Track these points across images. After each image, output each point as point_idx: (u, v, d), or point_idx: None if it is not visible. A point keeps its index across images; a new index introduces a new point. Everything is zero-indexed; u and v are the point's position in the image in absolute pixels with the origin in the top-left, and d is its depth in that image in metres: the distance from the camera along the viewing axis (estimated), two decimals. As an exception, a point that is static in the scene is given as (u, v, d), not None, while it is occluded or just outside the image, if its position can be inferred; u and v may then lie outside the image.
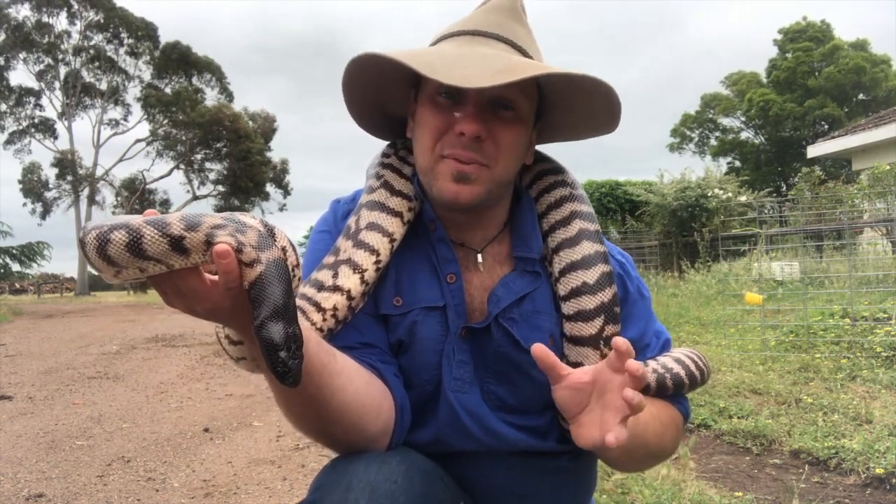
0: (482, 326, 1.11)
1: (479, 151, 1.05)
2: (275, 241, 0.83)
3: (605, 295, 1.09)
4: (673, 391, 1.17)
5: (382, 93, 1.15)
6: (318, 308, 1.02)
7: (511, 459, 1.14)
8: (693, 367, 1.19)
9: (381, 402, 1.02)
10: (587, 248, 1.12)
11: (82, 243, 0.77)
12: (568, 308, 1.11)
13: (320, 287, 1.04)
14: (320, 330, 1.03)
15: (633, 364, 0.88)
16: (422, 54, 1.04)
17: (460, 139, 1.05)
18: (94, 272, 0.82)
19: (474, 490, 1.14)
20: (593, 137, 1.20)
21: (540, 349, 0.96)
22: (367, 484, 0.90)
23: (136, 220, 0.76)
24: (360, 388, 0.99)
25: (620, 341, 0.90)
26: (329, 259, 1.08)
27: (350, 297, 1.04)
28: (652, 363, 1.18)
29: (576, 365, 1.08)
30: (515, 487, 1.15)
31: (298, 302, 1.03)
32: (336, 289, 1.04)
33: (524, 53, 1.10)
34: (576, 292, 1.10)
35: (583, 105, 1.11)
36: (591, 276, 1.09)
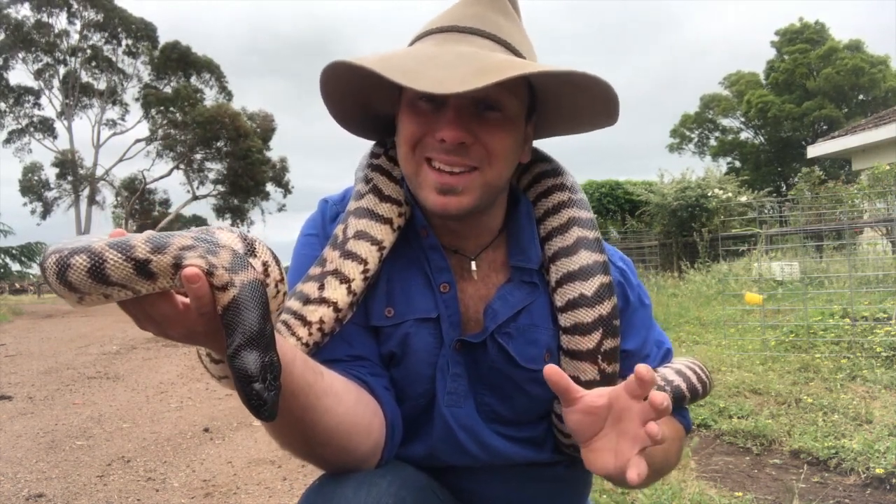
0: (478, 341, 1.07)
1: (466, 156, 0.99)
2: (255, 256, 0.78)
3: (604, 308, 1.04)
4: (673, 405, 1.12)
5: (365, 95, 1.09)
6: (304, 322, 0.98)
7: (507, 471, 1.12)
8: (694, 379, 1.16)
9: (370, 420, 0.98)
10: (585, 257, 1.06)
11: (42, 268, 0.73)
12: (565, 320, 1.07)
13: (306, 300, 1.00)
14: (306, 345, 0.99)
15: (657, 396, 0.82)
16: (394, 58, 0.97)
17: (442, 145, 0.99)
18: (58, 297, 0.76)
19: (470, 501, 1.12)
20: (593, 130, 1.12)
21: (552, 371, 0.89)
22: None
23: (98, 242, 0.71)
24: (349, 407, 0.95)
25: (644, 369, 0.83)
26: (315, 270, 1.03)
27: (337, 309, 1.00)
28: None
29: (572, 379, 1.06)
30: (512, 498, 1.13)
31: (283, 316, 0.99)
32: (322, 301, 0.99)
33: (508, 47, 1.03)
34: (573, 304, 1.05)
35: (575, 99, 1.05)
36: (588, 287, 1.04)
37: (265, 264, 0.79)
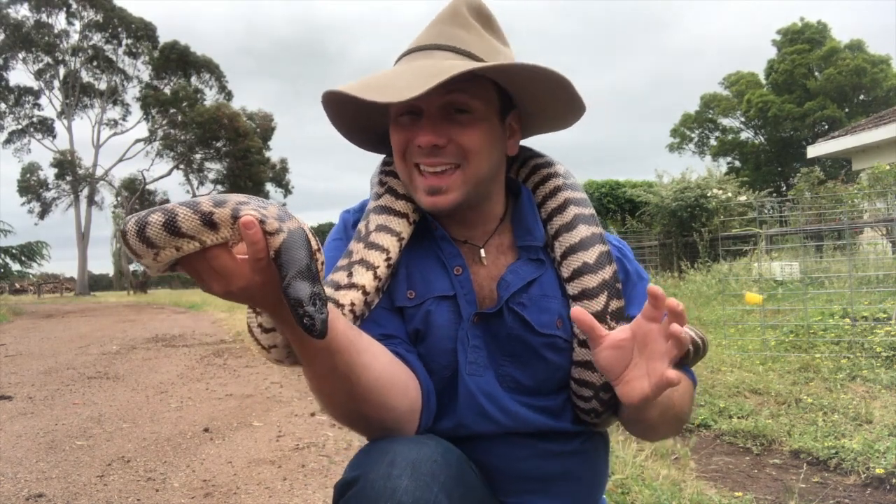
0: (494, 311, 1.17)
1: (443, 156, 1.13)
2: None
3: (606, 272, 1.16)
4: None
5: (365, 116, 1.23)
6: (337, 304, 1.07)
7: (525, 443, 1.18)
8: (693, 335, 1.25)
9: (406, 380, 1.08)
10: (584, 231, 1.20)
11: (123, 233, 0.85)
12: (572, 288, 1.18)
13: (337, 287, 1.10)
14: None
15: (672, 301, 0.93)
16: (369, 80, 1.12)
17: (420, 150, 1.14)
18: (135, 262, 0.92)
19: (490, 475, 1.17)
20: (573, 122, 1.25)
21: (578, 311, 1.01)
22: (409, 461, 0.94)
23: (168, 204, 0.84)
24: (385, 365, 1.04)
25: (654, 288, 0.94)
26: (343, 261, 1.14)
27: (365, 293, 1.10)
28: None
29: (585, 343, 1.13)
30: (530, 472, 1.18)
31: None
32: (352, 286, 1.10)
33: (467, 55, 1.15)
34: (578, 272, 1.17)
35: (537, 90, 1.17)
36: (590, 256, 1.17)
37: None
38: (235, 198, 0.85)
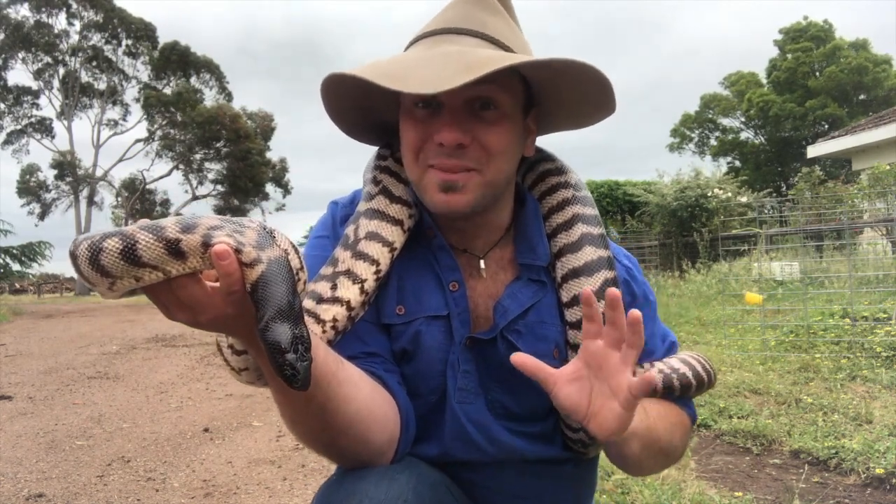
0: (488, 338, 1.09)
1: (465, 157, 1.01)
2: (276, 245, 0.80)
3: None
4: (680, 392, 1.15)
5: (366, 103, 1.11)
6: (318, 320, 0.99)
7: (516, 466, 1.13)
8: (700, 369, 1.18)
9: (386, 411, 1.00)
10: (590, 253, 1.08)
11: (73, 256, 0.74)
12: (571, 315, 1.08)
13: (319, 299, 1.00)
14: None
15: (608, 291, 0.88)
16: (383, 64, 1.00)
17: (441, 149, 1.01)
18: (87, 286, 0.78)
19: (477, 493, 1.13)
20: (595, 122, 1.13)
21: (519, 358, 0.93)
22: None
23: (128, 228, 0.73)
24: (366, 396, 0.96)
25: (585, 292, 0.89)
26: (327, 270, 1.04)
27: (350, 308, 1.01)
28: (658, 364, 1.16)
29: None
30: (519, 492, 1.14)
31: None
32: (335, 300, 1.00)
33: (495, 43, 1.03)
34: (578, 300, 1.06)
35: (571, 89, 1.06)
36: (593, 282, 1.06)
37: (285, 252, 0.81)
38: (207, 221, 0.75)
